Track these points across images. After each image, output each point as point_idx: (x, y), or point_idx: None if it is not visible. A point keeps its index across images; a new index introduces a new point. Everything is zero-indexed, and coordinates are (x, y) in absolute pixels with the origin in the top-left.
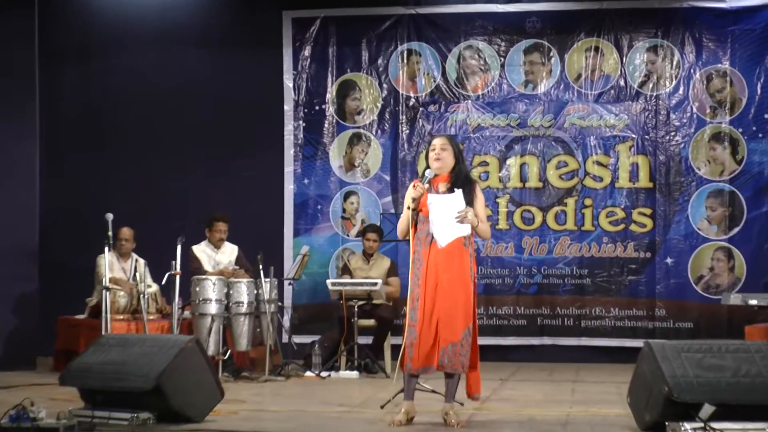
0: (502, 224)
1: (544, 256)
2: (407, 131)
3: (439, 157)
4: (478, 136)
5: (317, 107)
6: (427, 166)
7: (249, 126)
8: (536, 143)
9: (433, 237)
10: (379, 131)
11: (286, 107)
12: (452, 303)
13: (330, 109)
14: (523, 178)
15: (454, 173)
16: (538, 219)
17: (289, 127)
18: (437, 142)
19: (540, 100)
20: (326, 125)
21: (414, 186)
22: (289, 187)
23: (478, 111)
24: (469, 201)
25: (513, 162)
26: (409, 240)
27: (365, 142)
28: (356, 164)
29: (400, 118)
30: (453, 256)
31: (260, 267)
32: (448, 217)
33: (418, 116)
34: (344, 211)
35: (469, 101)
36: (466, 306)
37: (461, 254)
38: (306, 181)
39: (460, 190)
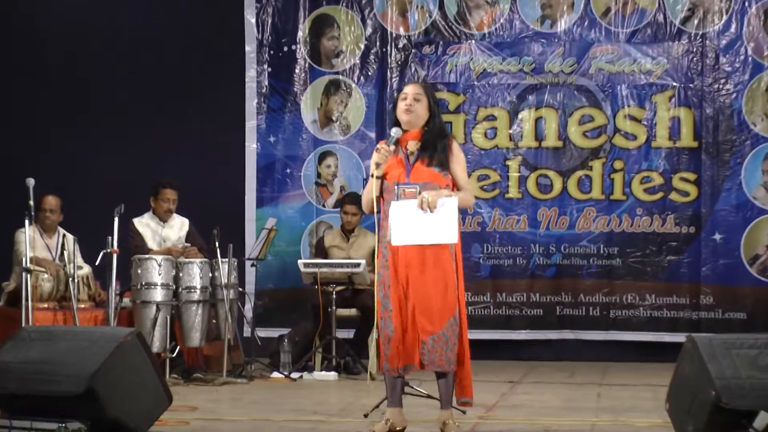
0: (513, 192)
1: (565, 231)
2: (396, 78)
3: (410, 108)
4: (484, 85)
5: (286, 48)
6: (396, 123)
7: (202, 72)
8: (555, 93)
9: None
10: (361, 78)
11: (247, 48)
12: (432, 286)
13: (301, 51)
14: (538, 136)
15: (428, 128)
16: (557, 186)
17: (251, 72)
18: (409, 90)
19: (560, 40)
20: (297, 71)
21: (378, 149)
22: (252, 147)
23: (484, 53)
24: (443, 160)
25: (526, 116)
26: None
27: (345, 92)
28: (334, 118)
29: (388, 62)
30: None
31: (216, 244)
32: (415, 226)
33: (409, 60)
34: (319, 176)
35: (473, 41)
36: (449, 288)
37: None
38: (272, 138)
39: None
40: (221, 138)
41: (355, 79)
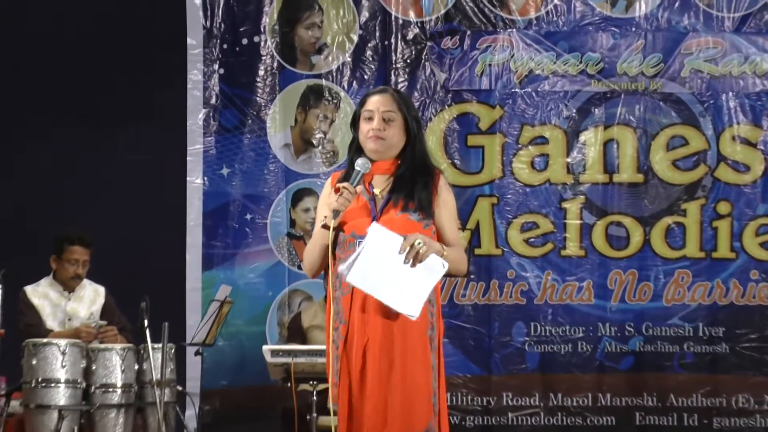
0: (573, 248)
1: (647, 305)
2: (404, 84)
3: (381, 134)
4: (530, 93)
5: (245, 41)
6: (356, 150)
7: (127, 76)
8: (632, 105)
9: (341, 273)
10: (354, 84)
11: (189, 41)
12: (399, 384)
13: (268, 45)
14: (608, 167)
15: (404, 158)
16: (636, 238)
17: (194, 76)
18: (375, 104)
19: (639, 30)
20: (261, 73)
21: (336, 188)
22: (195, 182)
23: (530, 48)
24: (425, 203)
25: (591, 138)
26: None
27: (330, 103)
28: (314, 141)
29: (393, 60)
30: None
31: (145, 323)
32: (383, 272)
33: (423, 57)
34: (293, 224)
35: (514, 31)
36: (426, 385)
37: None
38: (225, 170)
39: (372, 225)
40: (152, 170)
41: (345, 85)
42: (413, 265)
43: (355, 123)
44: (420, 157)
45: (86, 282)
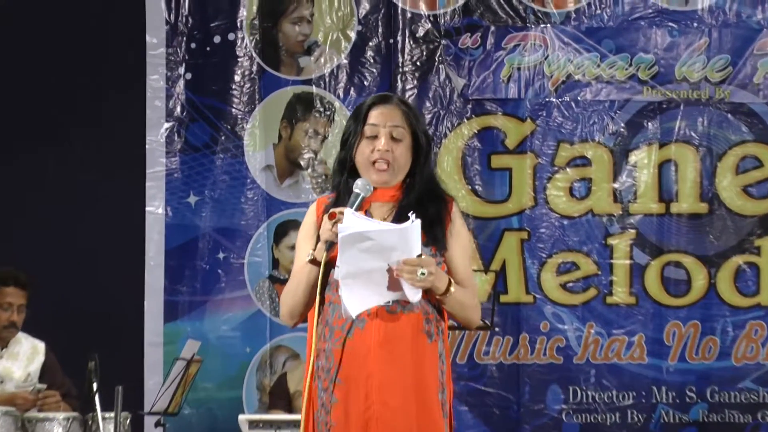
0: (621, 294)
1: (713, 363)
2: (412, 92)
3: (389, 156)
4: (569, 103)
5: (218, 39)
6: (348, 170)
7: (73, 83)
8: (693, 118)
9: (351, 318)
10: (351, 91)
11: (149, 39)
12: None
13: (246, 44)
14: (665, 194)
15: (413, 185)
16: (699, 282)
17: (155, 81)
18: (381, 116)
19: (702, 26)
20: (237, 78)
21: (330, 213)
22: (156, 213)
23: (568, 48)
24: (438, 235)
25: (644, 158)
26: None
27: (322, 116)
28: (303, 162)
29: (399, 62)
30: (400, 353)
31: (94, 387)
32: (376, 265)
33: (436, 59)
34: (276, 264)
35: (549, 27)
36: None
37: (420, 350)
38: (193, 198)
39: (418, 221)
40: (103, 197)
41: (341, 93)
42: (409, 280)
43: (348, 138)
44: (428, 179)
45: (22, 335)
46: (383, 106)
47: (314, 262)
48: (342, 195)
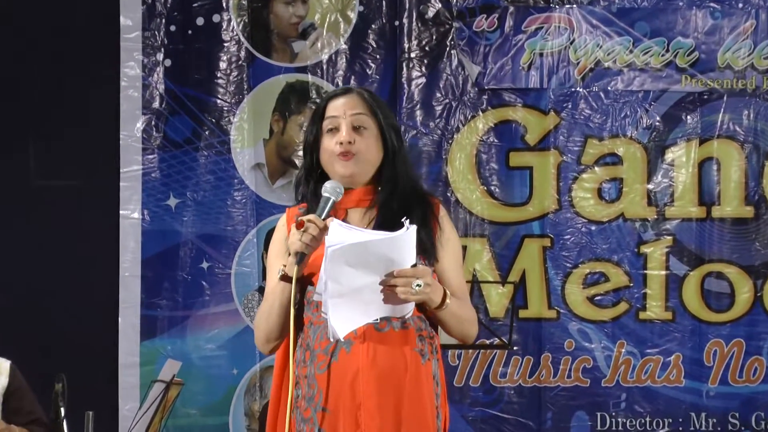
0: (656, 308)
1: (758, 387)
2: (421, 79)
3: (350, 148)
4: (597, 93)
5: (201, 21)
6: (316, 173)
7: (37, 72)
8: (738, 110)
9: (336, 339)
10: (352, 79)
11: (124, 21)
12: None
13: (233, 26)
14: (706, 196)
15: (386, 184)
16: (744, 295)
17: (131, 69)
18: (340, 106)
19: (748, 6)
20: (223, 65)
21: (303, 224)
22: (132, 217)
23: (596, 32)
24: (428, 244)
25: (682, 156)
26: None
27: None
28: (296, 160)
29: (406, 48)
30: (393, 377)
31: (61, 412)
32: (367, 280)
33: (448, 44)
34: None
35: (575, 8)
36: None
37: (414, 372)
38: (173, 201)
39: (413, 227)
40: (72, 201)
41: (339, 82)
42: (402, 294)
43: (311, 145)
44: (406, 179)
45: None
46: (341, 97)
47: (286, 278)
48: (312, 204)
